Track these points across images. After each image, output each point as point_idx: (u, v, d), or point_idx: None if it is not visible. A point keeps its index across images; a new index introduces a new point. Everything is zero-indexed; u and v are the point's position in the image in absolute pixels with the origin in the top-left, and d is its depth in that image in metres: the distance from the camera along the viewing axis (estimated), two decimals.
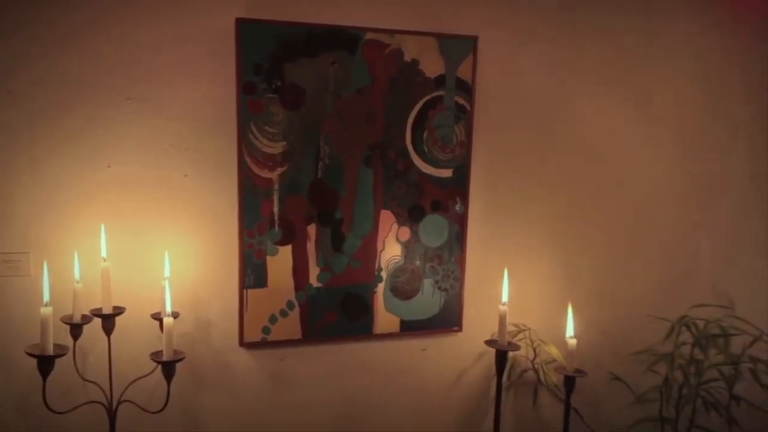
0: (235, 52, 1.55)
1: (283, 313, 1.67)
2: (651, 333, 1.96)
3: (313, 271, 1.69)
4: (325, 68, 1.64)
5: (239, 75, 1.56)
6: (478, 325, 1.85)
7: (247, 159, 1.59)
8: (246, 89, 1.57)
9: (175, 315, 1.46)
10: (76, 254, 1.42)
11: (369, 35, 1.67)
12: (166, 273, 1.48)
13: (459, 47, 1.76)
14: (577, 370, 1.71)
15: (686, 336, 1.88)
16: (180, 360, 1.43)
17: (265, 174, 1.62)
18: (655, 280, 2.10)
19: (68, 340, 1.39)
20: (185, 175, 1.55)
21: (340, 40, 1.64)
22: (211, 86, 1.55)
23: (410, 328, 1.81)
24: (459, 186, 1.82)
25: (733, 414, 1.88)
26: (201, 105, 1.55)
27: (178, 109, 1.53)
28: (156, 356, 1.42)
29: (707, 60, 2.06)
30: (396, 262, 1.77)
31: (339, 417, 1.80)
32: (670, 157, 2.07)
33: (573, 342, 1.70)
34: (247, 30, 1.55)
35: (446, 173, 1.80)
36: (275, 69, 1.59)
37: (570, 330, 1.73)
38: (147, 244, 1.54)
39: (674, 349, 1.86)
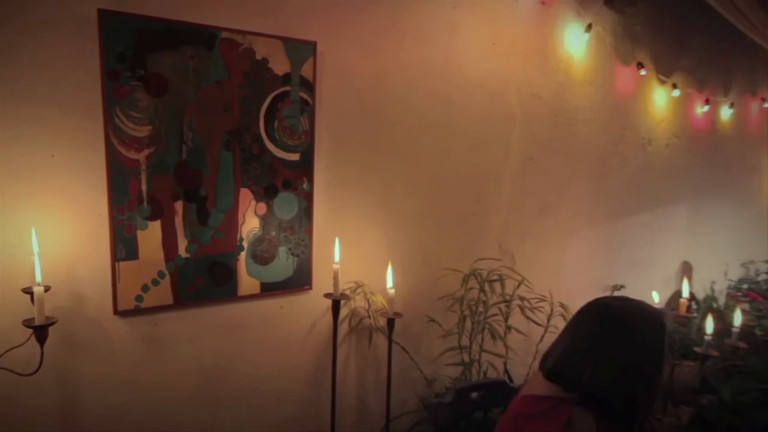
0: (99, 40, 1.60)
1: (155, 282, 1.78)
2: (452, 282, 2.37)
3: (182, 243, 1.82)
4: (185, 61, 1.77)
5: (103, 62, 1.62)
6: (325, 283, 2.10)
7: (114, 141, 1.67)
8: (110, 76, 1.64)
9: (46, 288, 1.50)
10: None
11: (224, 34, 1.82)
12: (35, 248, 1.50)
13: (301, 50, 1.99)
14: (395, 313, 2.08)
15: (475, 283, 2.34)
16: (52, 324, 1.47)
17: (132, 155, 1.70)
18: (456, 241, 2.53)
19: None
20: (52, 155, 1.58)
21: (199, 37, 1.78)
22: (77, 71, 1.58)
23: (269, 289, 2.03)
24: (305, 167, 2.06)
25: (507, 340, 2.40)
26: (67, 88, 1.57)
27: (43, 91, 1.54)
28: (28, 322, 1.45)
29: (490, 72, 2.54)
30: (255, 233, 1.98)
31: (211, 372, 1.94)
32: (466, 147, 2.51)
33: (392, 292, 2.07)
34: (109, 20, 1.61)
35: (295, 157, 2.03)
36: (138, 58, 1.67)
37: (389, 282, 2.08)
38: (15, 222, 1.54)
39: (465, 293, 2.33)
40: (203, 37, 1.79)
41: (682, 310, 2.34)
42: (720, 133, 3.88)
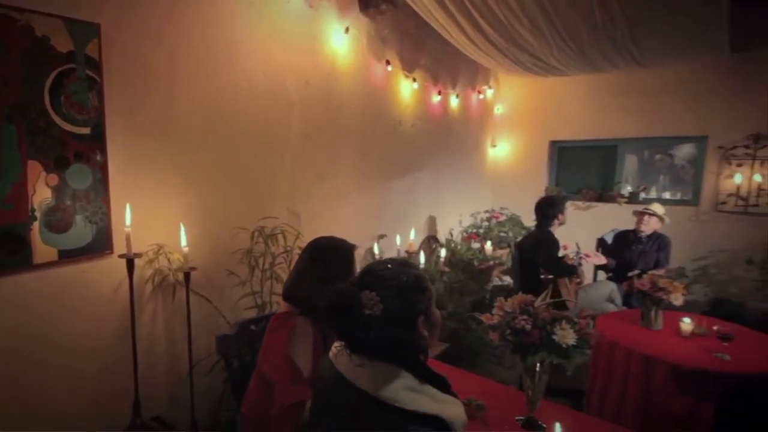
0: None
1: None
2: (246, 239, 2.58)
3: None
4: None
5: None
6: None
7: None
8: None
9: None
10: None
11: None
12: None
13: (85, 30, 1.94)
14: (190, 267, 2.22)
15: (260, 237, 2.56)
16: None
17: None
18: (249, 205, 2.70)
19: None
20: None
21: None
22: None
23: (68, 255, 1.97)
24: (97, 141, 2.02)
25: None
26: None
27: None
28: None
29: (270, 62, 2.73)
30: (48, 203, 1.90)
31: (14, 346, 1.84)
32: (253, 126, 2.68)
33: (186, 249, 2.20)
34: None
35: (85, 130, 1.98)
36: None
37: (183, 241, 2.20)
38: None
39: (252, 246, 2.55)
40: None
41: (411, 249, 2.92)
42: (450, 117, 4.71)
